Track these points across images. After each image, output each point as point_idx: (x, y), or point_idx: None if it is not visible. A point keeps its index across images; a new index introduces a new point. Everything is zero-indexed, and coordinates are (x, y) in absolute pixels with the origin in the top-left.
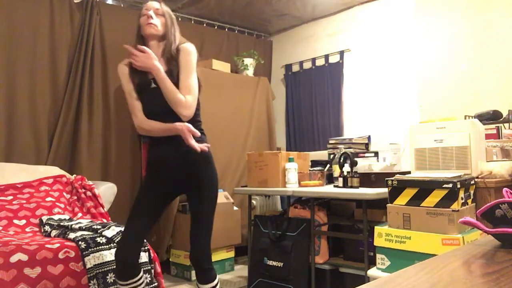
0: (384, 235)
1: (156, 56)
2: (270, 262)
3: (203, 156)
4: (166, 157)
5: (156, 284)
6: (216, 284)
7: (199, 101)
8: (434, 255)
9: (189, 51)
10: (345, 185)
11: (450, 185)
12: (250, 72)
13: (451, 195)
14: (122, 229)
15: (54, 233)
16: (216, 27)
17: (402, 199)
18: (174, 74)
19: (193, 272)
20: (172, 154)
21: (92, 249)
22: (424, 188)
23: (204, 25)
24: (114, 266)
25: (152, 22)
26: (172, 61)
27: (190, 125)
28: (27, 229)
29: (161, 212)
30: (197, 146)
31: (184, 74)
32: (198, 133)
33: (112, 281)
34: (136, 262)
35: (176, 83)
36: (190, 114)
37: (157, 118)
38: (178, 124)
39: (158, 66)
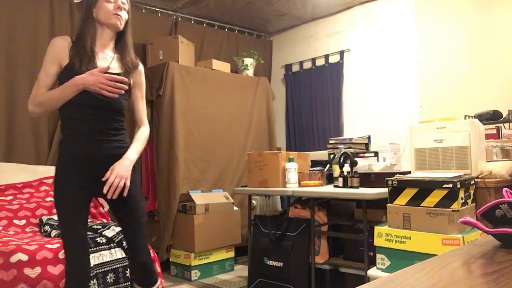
0: (384, 235)
1: (104, 46)
2: (270, 262)
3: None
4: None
5: None
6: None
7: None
8: (434, 255)
9: (143, 75)
10: (345, 185)
11: (450, 185)
12: (250, 72)
13: (451, 195)
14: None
15: (54, 233)
16: (216, 27)
17: (402, 199)
18: (129, 82)
19: (193, 272)
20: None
21: (92, 249)
22: (424, 188)
23: (204, 25)
24: (115, 266)
25: (120, 14)
26: (129, 69)
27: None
28: (27, 229)
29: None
30: None
31: (142, 102)
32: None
33: (112, 281)
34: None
35: (127, 91)
36: None
37: (96, 112)
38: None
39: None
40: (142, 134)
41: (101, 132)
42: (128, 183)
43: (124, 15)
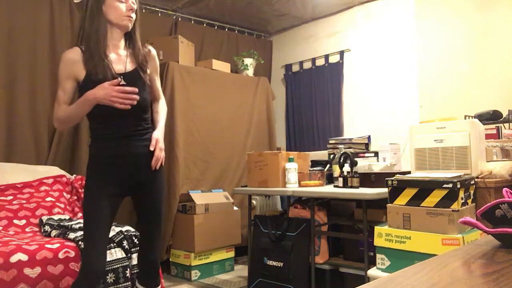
0: (384, 235)
1: (115, 46)
2: (270, 262)
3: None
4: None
5: None
6: None
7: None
8: (434, 255)
9: (156, 57)
10: (345, 185)
11: (450, 185)
12: (250, 72)
13: (451, 195)
14: (122, 229)
15: (54, 233)
16: (216, 27)
17: (402, 199)
18: (146, 72)
19: (193, 272)
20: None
21: None
22: (424, 188)
23: (204, 25)
24: (115, 266)
25: (132, 16)
26: (143, 60)
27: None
28: (27, 229)
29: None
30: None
31: (158, 80)
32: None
33: (112, 281)
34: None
35: (143, 83)
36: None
37: (119, 119)
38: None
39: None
40: (163, 106)
41: (128, 134)
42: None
43: (134, 16)
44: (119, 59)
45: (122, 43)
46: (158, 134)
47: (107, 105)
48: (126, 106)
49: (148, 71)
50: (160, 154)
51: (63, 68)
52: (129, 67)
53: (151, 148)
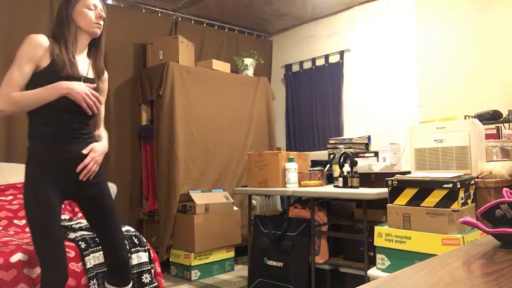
0: (384, 235)
1: (80, 50)
2: (270, 262)
3: None
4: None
5: (156, 284)
6: None
7: None
8: (434, 255)
9: (107, 81)
10: (345, 185)
11: (450, 185)
12: (250, 72)
13: (451, 195)
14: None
15: None
16: (216, 27)
17: (402, 199)
18: (98, 87)
19: (193, 272)
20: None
21: (92, 249)
22: (424, 188)
23: (204, 25)
24: None
25: (100, 23)
26: (100, 75)
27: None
28: (27, 229)
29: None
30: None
31: (103, 105)
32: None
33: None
34: None
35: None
36: None
37: (71, 116)
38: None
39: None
40: (105, 132)
41: (75, 135)
42: (97, 169)
43: (102, 23)
44: (83, 62)
45: (86, 48)
46: (97, 144)
47: (73, 100)
48: (89, 111)
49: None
50: (91, 164)
51: (28, 49)
52: (90, 73)
53: (84, 152)
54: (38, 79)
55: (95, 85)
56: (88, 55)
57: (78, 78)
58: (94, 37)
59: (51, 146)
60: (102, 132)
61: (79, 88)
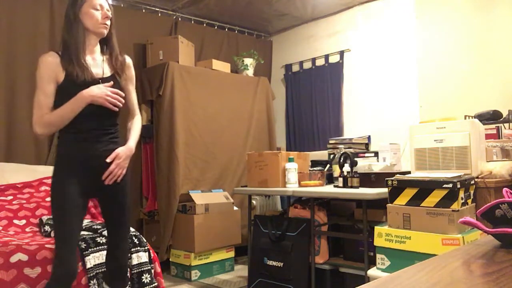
0: (384, 235)
1: (91, 51)
2: (270, 262)
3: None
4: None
5: (156, 284)
6: None
7: None
8: (434, 255)
9: (132, 67)
10: (345, 185)
11: (450, 185)
12: (250, 72)
13: (451, 195)
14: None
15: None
16: (216, 27)
17: (402, 199)
18: (121, 81)
19: (193, 272)
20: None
21: (92, 249)
22: (424, 188)
23: (204, 25)
24: None
25: (107, 23)
26: (119, 70)
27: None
28: (27, 229)
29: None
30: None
31: (134, 92)
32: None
33: None
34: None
35: (121, 89)
36: None
37: (97, 119)
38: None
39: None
40: (137, 124)
41: (101, 136)
42: (124, 172)
43: (109, 23)
44: (95, 63)
45: (97, 48)
46: (121, 149)
47: (98, 104)
48: (115, 108)
49: (123, 78)
50: (116, 170)
51: (44, 71)
52: (107, 72)
53: (108, 160)
54: (60, 93)
55: (111, 83)
56: (102, 53)
57: (95, 81)
58: (101, 37)
59: (78, 147)
60: (134, 123)
61: (100, 92)
